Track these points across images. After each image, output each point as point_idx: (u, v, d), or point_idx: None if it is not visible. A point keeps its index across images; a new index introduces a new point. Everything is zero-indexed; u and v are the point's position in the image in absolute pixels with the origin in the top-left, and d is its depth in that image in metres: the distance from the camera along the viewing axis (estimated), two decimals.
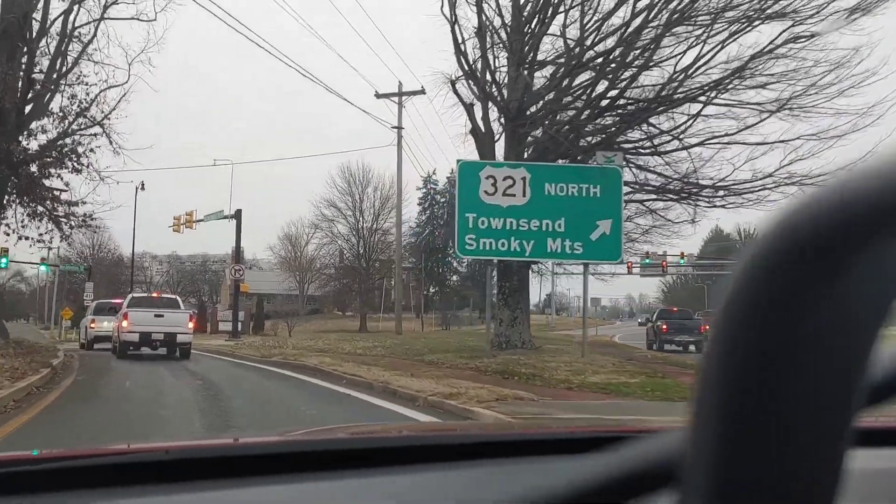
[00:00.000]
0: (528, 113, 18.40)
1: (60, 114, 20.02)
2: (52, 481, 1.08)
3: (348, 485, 1.17)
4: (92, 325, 27.77)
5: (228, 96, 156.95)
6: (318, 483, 1.15)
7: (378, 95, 34.13)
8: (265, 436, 2.22)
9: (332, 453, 1.28)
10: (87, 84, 20.36)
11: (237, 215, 36.82)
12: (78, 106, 20.45)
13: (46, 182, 19.08)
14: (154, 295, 25.58)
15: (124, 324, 21.53)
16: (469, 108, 19.09)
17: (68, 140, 20.03)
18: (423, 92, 34.44)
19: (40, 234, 20.10)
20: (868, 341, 0.38)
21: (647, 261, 57.71)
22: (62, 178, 19.37)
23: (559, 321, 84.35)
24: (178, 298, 24.78)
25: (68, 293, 72.17)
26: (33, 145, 18.90)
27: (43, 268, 52.19)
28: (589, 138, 18.68)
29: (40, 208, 19.46)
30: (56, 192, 19.56)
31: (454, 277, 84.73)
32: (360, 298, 71.80)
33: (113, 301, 28.72)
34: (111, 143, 21.67)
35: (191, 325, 22.21)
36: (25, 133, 18.79)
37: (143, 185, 52.52)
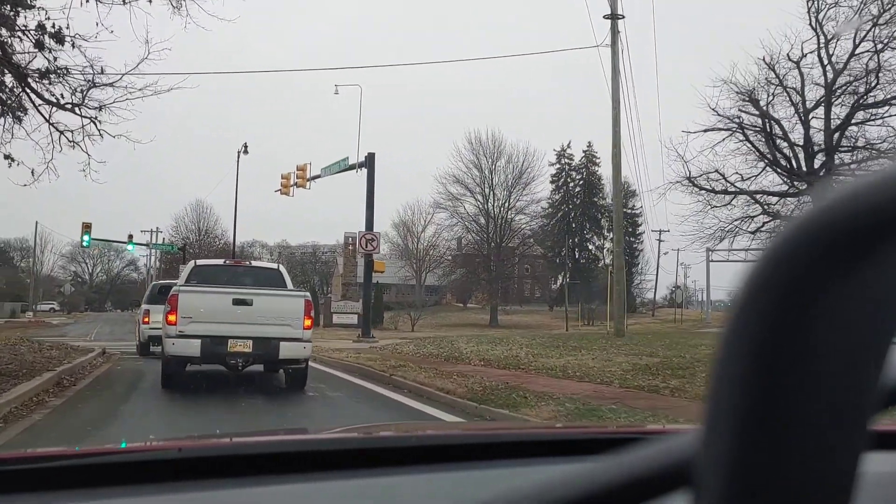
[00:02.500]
0: None
1: None
2: (66, 478, 1.03)
3: (360, 484, 1.13)
4: (145, 321, 16.54)
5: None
6: (333, 482, 1.11)
7: None
8: (280, 434, 2.00)
9: (350, 452, 1.24)
10: None
11: (368, 161, 24.75)
12: None
13: None
14: (231, 262, 12.76)
15: (171, 319, 9.77)
16: None
17: None
18: None
19: None
20: (884, 343, 0.36)
21: None
22: None
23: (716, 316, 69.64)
24: (280, 269, 12.13)
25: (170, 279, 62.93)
26: None
27: (130, 247, 42.26)
28: None
29: None
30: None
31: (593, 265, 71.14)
32: (493, 288, 59.30)
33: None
34: None
35: (307, 321, 10.15)
36: None
37: (245, 147, 41.94)
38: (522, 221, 61.77)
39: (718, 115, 21.81)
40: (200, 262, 12.48)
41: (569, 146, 70.90)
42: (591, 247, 71.81)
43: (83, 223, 37.92)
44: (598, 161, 70.98)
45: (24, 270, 76.17)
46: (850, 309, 0.34)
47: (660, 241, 70.08)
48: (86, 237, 38.02)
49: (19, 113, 9.81)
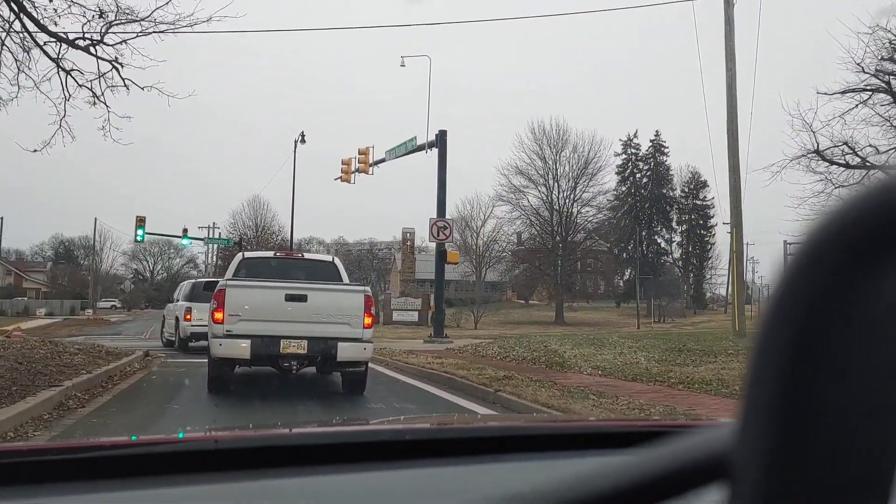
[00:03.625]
0: None
1: None
2: (103, 469, 1.03)
3: (398, 476, 1.11)
4: (187, 318, 16.93)
5: None
6: (370, 473, 1.10)
7: None
8: (313, 426, 2.00)
9: (387, 444, 1.22)
10: None
11: (439, 140, 21.87)
12: None
13: None
14: (282, 254, 12.05)
15: (218, 317, 8.53)
16: None
17: None
18: None
19: None
20: None
21: None
22: None
23: None
24: (335, 261, 10.80)
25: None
26: None
27: (184, 241, 40.41)
28: None
29: None
30: None
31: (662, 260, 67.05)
32: (559, 284, 55.90)
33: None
34: None
35: (368, 319, 8.95)
36: None
37: (303, 136, 39.74)
38: (589, 214, 58.13)
39: (864, 72, 18.00)
40: (249, 254, 11.32)
41: (635, 135, 67.08)
42: (660, 240, 67.76)
43: (137, 217, 36.31)
44: (666, 150, 67.01)
45: (87, 269, 75.93)
46: (887, 305, 0.33)
47: (732, 233, 65.76)
48: (140, 231, 36.34)
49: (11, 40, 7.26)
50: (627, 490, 0.46)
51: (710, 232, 67.05)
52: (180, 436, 1.34)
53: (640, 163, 67.28)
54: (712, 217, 66.10)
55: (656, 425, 1.56)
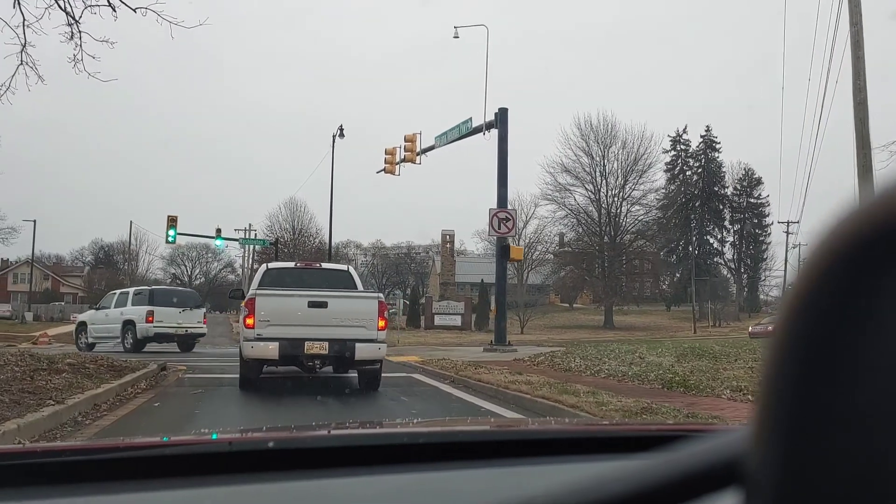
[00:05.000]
0: None
1: None
2: (117, 471, 1.03)
3: (403, 479, 1.10)
4: (149, 320, 18.52)
5: None
6: (381, 477, 1.09)
7: None
8: (329, 429, 1.89)
9: (399, 447, 1.21)
10: None
11: (498, 119, 19.01)
12: None
13: None
14: (302, 264, 12.61)
15: (249, 322, 9.31)
16: None
17: None
18: None
19: None
20: None
21: None
22: None
23: None
24: (350, 270, 11.88)
25: None
26: None
27: (218, 242, 38.14)
28: None
29: None
30: None
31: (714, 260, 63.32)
32: (608, 286, 52.59)
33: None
34: None
35: (381, 322, 9.71)
36: None
37: (342, 130, 37.27)
38: (639, 213, 54.71)
39: None
40: (272, 265, 12.19)
41: (685, 131, 63.53)
42: (712, 241, 63.99)
43: (168, 217, 33.96)
44: (718, 146, 63.31)
45: (125, 273, 74.65)
46: None
47: (787, 233, 61.73)
48: (171, 231, 34.05)
49: None
50: (642, 494, 0.46)
51: (766, 231, 63.17)
52: (213, 437, 1.33)
53: (691, 159, 63.74)
54: (768, 216, 62.30)
55: (672, 429, 1.45)
